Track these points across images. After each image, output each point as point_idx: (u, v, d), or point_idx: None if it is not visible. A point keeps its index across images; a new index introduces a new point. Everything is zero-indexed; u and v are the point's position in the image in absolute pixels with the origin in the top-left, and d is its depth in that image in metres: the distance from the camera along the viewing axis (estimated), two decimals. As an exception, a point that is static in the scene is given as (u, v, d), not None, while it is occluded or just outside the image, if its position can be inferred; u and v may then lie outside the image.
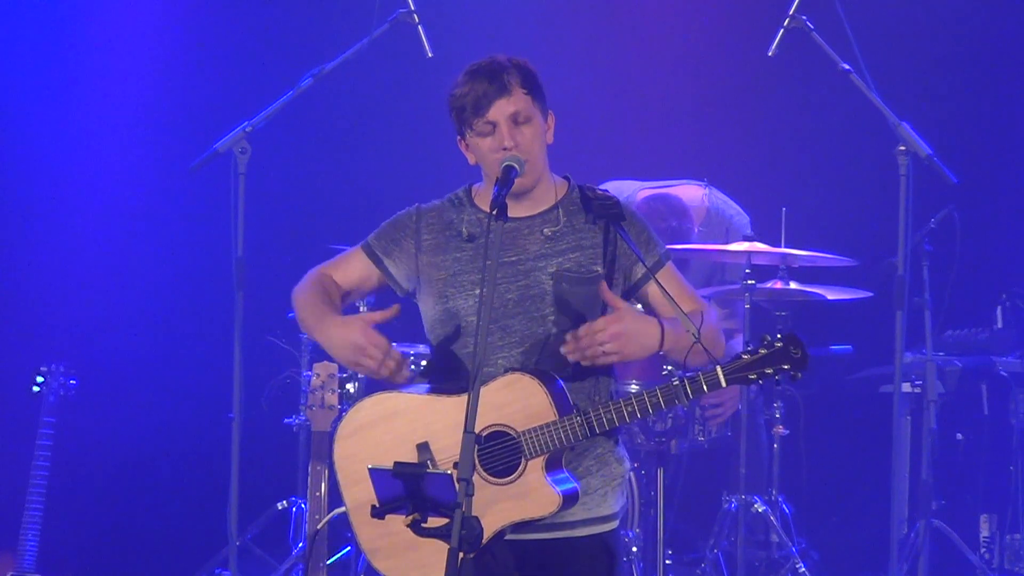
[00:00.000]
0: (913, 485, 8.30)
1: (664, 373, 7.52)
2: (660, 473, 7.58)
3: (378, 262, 5.14)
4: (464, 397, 4.75)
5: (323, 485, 7.10)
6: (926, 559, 7.76)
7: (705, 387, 4.85)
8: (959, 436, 8.65)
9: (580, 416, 4.85)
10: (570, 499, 4.90)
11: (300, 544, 8.05)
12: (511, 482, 4.86)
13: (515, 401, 4.87)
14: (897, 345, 7.17)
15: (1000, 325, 8.73)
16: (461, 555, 4.47)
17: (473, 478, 4.63)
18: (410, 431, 4.89)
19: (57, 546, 8.17)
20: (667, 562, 7.77)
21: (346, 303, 5.20)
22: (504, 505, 4.85)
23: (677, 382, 4.86)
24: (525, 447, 4.84)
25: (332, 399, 7.21)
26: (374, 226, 5.21)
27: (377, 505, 4.71)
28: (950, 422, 8.51)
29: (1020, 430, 8.50)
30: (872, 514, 8.34)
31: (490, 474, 4.85)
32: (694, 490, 8.22)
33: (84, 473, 9.00)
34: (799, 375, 4.86)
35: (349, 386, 8.00)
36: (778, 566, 8.10)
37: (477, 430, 4.70)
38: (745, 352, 4.86)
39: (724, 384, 4.85)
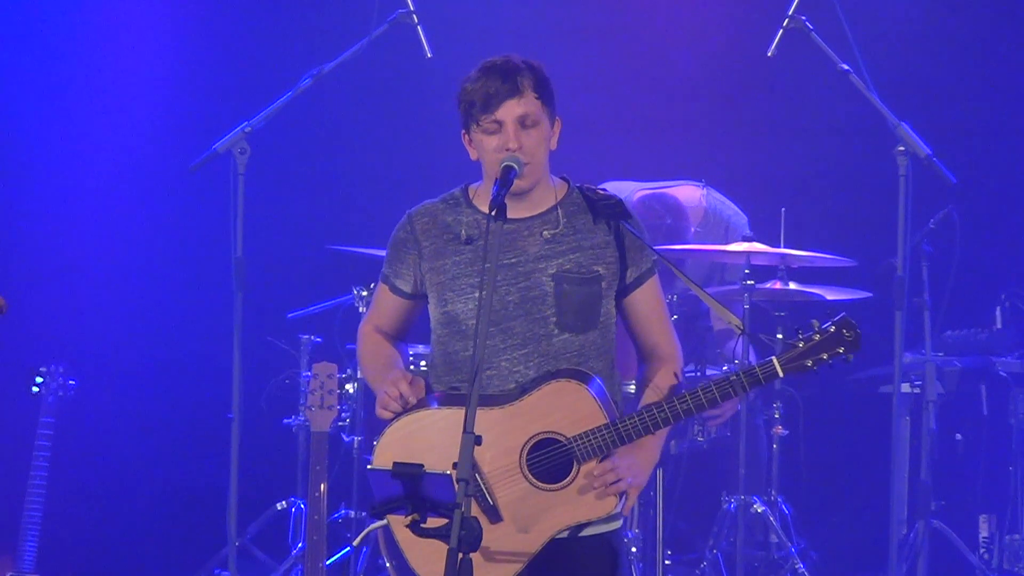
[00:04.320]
0: (912, 485, 8.29)
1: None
2: (660, 473, 7.58)
3: (395, 289, 5.17)
4: (500, 410, 4.87)
5: (322, 486, 7.10)
6: (925, 559, 7.76)
7: (762, 379, 4.90)
8: (958, 436, 8.65)
9: (636, 416, 4.89)
10: (623, 495, 4.94)
11: (299, 544, 8.05)
12: (563, 487, 4.89)
13: (561, 408, 4.90)
14: (896, 345, 7.17)
15: (1000, 325, 8.72)
16: (461, 555, 4.47)
17: (521, 486, 4.77)
18: (449, 447, 4.82)
19: (57, 546, 8.17)
20: (667, 562, 7.77)
21: (405, 336, 5.26)
22: (558, 510, 4.89)
23: (734, 376, 4.89)
24: (577, 452, 4.88)
25: (331, 399, 7.21)
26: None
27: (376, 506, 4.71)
28: (949, 422, 8.51)
29: (1019, 430, 8.49)
30: (872, 514, 8.35)
31: (541, 481, 4.88)
32: (693, 490, 8.21)
33: (83, 473, 9.00)
34: (851, 357, 4.91)
35: (348, 386, 8.01)
36: (777, 566, 8.10)
37: (524, 441, 4.86)
38: (799, 340, 4.90)
39: (781, 374, 4.89)
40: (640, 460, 4.96)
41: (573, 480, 4.89)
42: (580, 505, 4.89)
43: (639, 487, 4.95)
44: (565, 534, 4.94)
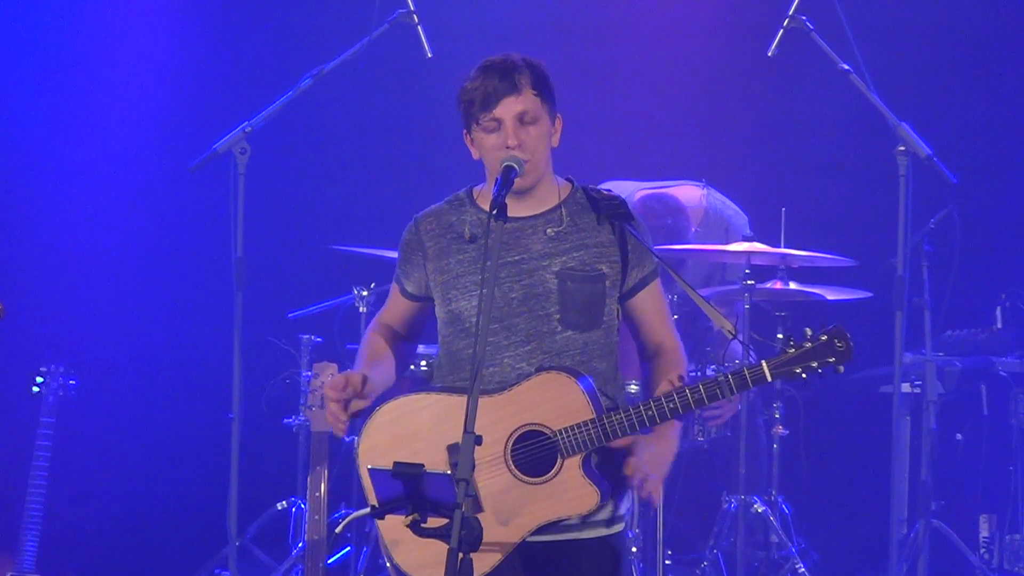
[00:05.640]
0: (913, 485, 8.29)
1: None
2: (660, 473, 7.57)
3: (403, 291, 5.19)
4: (487, 398, 4.85)
5: (323, 486, 7.10)
6: (926, 559, 7.76)
7: (750, 382, 4.87)
8: (959, 436, 8.65)
9: (622, 413, 4.87)
10: (607, 495, 4.91)
11: (300, 544, 8.05)
12: (546, 481, 4.87)
13: (550, 400, 4.87)
14: (897, 345, 7.17)
15: (1000, 325, 8.72)
16: (461, 555, 4.47)
17: (504, 478, 4.74)
18: (440, 433, 4.87)
19: (57, 546, 8.17)
20: (667, 562, 7.77)
21: (416, 336, 5.27)
22: (539, 504, 4.86)
23: (722, 377, 4.87)
24: (562, 446, 4.86)
25: (332, 399, 7.19)
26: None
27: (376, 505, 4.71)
28: (950, 422, 8.51)
29: (1020, 430, 8.49)
30: (872, 514, 8.34)
31: (524, 473, 4.87)
32: (694, 490, 8.22)
33: (84, 473, 9.01)
34: (842, 368, 4.88)
35: (349, 386, 7.99)
36: (778, 566, 8.10)
37: (510, 431, 4.83)
38: (790, 346, 4.88)
39: (770, 379, 4.87)
40: (659, 451, 4.94)
41: (556, 474, 4.87)
42: (561, 501, 4.86)
43: (661, 477, 4.92)
44: (566, 536, 4.93)
